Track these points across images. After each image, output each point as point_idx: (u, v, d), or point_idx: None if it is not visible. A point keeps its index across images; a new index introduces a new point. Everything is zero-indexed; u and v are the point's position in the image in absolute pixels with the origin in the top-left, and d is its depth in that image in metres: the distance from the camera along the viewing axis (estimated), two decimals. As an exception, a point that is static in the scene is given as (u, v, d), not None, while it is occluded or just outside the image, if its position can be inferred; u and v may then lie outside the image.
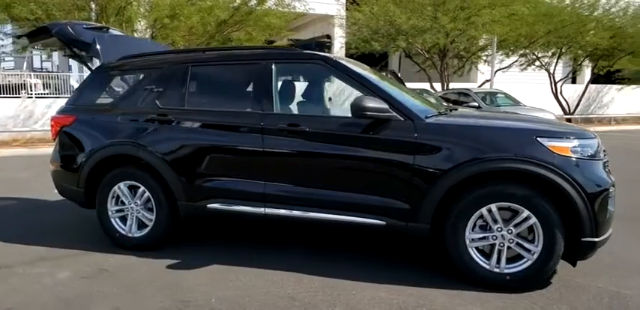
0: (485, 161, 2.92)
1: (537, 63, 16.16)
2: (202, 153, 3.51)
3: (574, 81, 18.99)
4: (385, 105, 3.05)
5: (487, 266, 3.02)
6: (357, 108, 3.02)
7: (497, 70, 13.95)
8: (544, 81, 17.37)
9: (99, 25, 4.35)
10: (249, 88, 3.53)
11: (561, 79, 17.89)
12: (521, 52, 15.03)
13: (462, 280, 3.11)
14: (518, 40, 13.25)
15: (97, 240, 3.99)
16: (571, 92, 19.43)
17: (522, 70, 15.75)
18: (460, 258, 3.06)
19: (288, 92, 3.68)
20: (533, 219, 2.90)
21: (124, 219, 3.83)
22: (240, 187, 3.43)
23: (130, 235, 3.77)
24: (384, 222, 3.15)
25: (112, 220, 3.82)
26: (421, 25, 11.09)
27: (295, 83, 3.72)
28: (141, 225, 3.77)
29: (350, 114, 3.23)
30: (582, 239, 2.87)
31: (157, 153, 3.58)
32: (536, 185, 2.92)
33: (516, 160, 2.89)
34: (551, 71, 16.91)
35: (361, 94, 3.23)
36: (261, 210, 3.39)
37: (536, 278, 2.97)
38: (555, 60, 16.30)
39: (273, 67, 3.43)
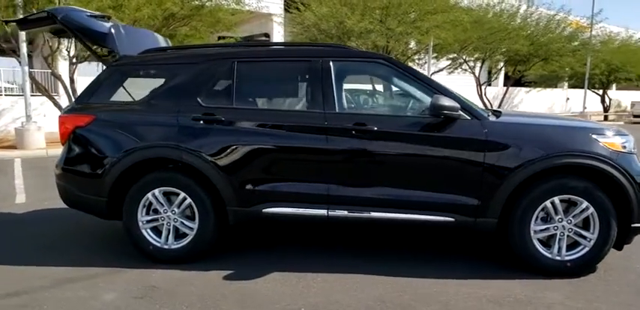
0: (550, 157, 3.12)
1: (465, 66, 17.44)
2: (259, 155, 3.31)
3: (489, 84, 20.91)
4: (458, 105, 3.13)
5: (549, 255, 3.23)
6: (436, 107, 3.06)
7: (433, 73, 14.82)
8: (470, 84, 18.82)
9: (99, 13, 3.87)
10: (305, 86, 3.39)
11: (485, 82, 19.57)
12: (452, 56, 16.13)
13: (523, 269, 3.29)
14: (451, 44, 14.18)
15: (121, 255, 3.59)
16: (492, 94, 21.48)
17: (450, 73, 16.89)
18: (525, 249, 3.23)
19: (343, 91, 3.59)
20: (591, 209, 3.16)
21: (156, 230, 3.48)
22: (302, 189, 3.29)
23: (166, 247, 3.43)
24: (453, 219, 3.22)
25: (144, 231, 3.45)
26: (370, 28, 11.39)
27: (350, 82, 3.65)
28: (178, 236, 3.46)
29: (410, 113, 3.26)
30: (632, 225, 3.18)
31: (205, 156, 3.30)
32: (593, 178, 3.19)
33: (579, 156, 3.12)
34: (477, 74, 18.38)
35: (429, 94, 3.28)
36: (324, 212, 3.29)
37: (593, 263, 3.24)
38: (481, 64, 17.73)
39: (331, 64, 3.33)
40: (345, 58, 3.41)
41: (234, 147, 3.31)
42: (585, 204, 3.16)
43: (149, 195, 3.41)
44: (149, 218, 3.45)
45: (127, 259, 3.50)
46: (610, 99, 27.10)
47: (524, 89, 25.89)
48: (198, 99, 3.39)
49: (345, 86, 3.62)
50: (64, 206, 3.84)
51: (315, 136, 3.25)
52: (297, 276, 3.23)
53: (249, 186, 3.32)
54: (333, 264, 3.42)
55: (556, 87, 27.98)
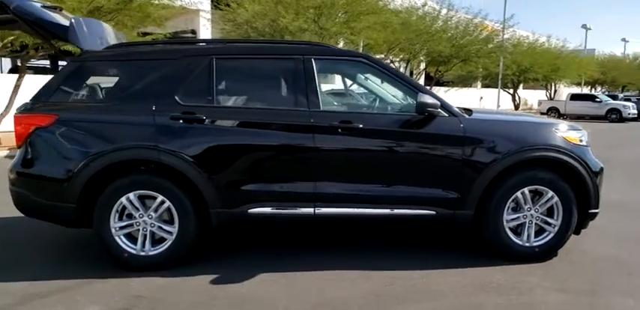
0: (521, 151, 3.35)
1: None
2: (243, 154, 3.22)
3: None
4: (439, 102, 3.26)
5: (520, 242, 3.47)
6: (422, 104, 3.16)
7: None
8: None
9: (51, 4, 3.53)
10: (289, 85, 3.34)
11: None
12: (379, 56, 16.63)
13: (496, 257, 3.50)
14: (380, 45, 14.63)
15: (91, 264, 3.33)
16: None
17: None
18: (499, 238, 3.44)
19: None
20: (556, 198, 3.44)
21: (130, 237, 3.27)
22: (289, 188, 3.26)
23: (142, 254, 3.24)
24: (434, 212, 3.35)
25: (117, 238, 3.23)
26: (305, 27, 11.43)
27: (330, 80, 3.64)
28: (155, 241, 3.28)
29: (390, 111, 3.34)
30: (589, 210, 3.51)
31: (186, 157, 3.15)
32: (557, 169, 3.47)
33: (546, 149, 3.39)
34: None
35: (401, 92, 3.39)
36: (311, 210, 3.28)
37: (557, 247, 3.53)
38: (405, 64, 18.46)
39: (313, 62, 3.32)
40: (327, 57, 3.42)
41: (216, 147, 3.19)
42: (551, 193, 3.43)
43: (123, 199, 3.19)
44: (123, 224, 3.23)
45: (99, 268, 3.26)
46: (519, 98, 29.48)
47: (443, 88, 27.32)
48: (176, 98, 3.22)
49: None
50: (16, 213, 3.49)
51: (302, 135, 3.23)
52: (286, 276, 3.19)
53: (233, 187, 3.22)
54: (319, 262, 3.41)
55: (471, 86, 29.90)
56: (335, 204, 3.29)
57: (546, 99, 29.17)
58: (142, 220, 3.23)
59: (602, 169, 3.55)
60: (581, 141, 3.54)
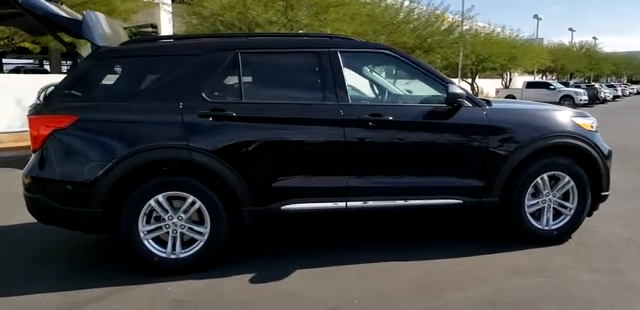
0: (543, 138, 3.46)
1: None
2: (275, 150, 3.16)
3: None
4: (465, 93, 3.31)
5: (540, 226, 3.60)
6: (454, 95, 3.20)
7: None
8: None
9: None
10: (316, 78, 3.29)
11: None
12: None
13: (515, 241, 3.62)
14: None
15: (118, 271, 3.19)
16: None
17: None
18: (521, 223, 3.56)
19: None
20: (572, 183, 3.59)
21: (158, 240, 3.16)
22: (321, 183, 3.23)
23: (173, 257, 3.13)
24: (461, 201, 3.42)
25: (146, 242, 3.11)
26: (275, 19, 11.27)
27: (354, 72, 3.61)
28: (185, 243, 3.18)
29: (416, 102, 3.37)
30: (601, 193, 3.69)
31: (218, 156, 3.06)
32: (572, 154, 3.61)
33: (565, 136, 3.52)
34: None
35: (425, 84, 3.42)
36: (343, 204, 3.27)
37: (574, 229, 3.69)
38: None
39: (339, 55, 3.29)
40: (352, 49, 3.39)
41: (247, 143, 3.12)
42: (567, 178, 3.58)
43: (151, 201, 3.07)
44: (151, 227, 3.11)
45: (127, 274, 3.13)
46: (477, 87, 30.36)
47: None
48: (203, 94, 3.11)
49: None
50: (29, 219, 3.30)
51: (332, 128, 3.21)
52: (325, 271, 3.18)
53: (265, 184, 3.16)
54: (352, 256, 3.41)
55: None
56: (366, 198, 3.30)
57: (502, 87, 30.20)
58: (171, 222, 3.12)
59: (610, 153, 3.73)
60: (592, 127, 3.70)
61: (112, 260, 3.43)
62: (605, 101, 28.70)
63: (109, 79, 3.19)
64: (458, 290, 2.90)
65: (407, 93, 3.68)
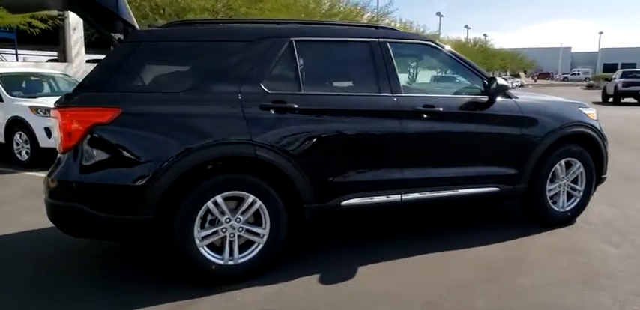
0: (564, 127, 3.73)
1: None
2: (336, 144, 3.02)
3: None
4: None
5: (557, 209, 3.89)
6: (503, 87, 3.31)
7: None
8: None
9: None
10: (369, 68, 3.17)
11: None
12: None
13: (533, 224, 3.88)
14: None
15: (167, 283, 2.84)
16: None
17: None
18: (543, 207, 3.81)
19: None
20: (582, 168, 3.92)
21: (211, 246, 2.86)
22: (379, 176, 3.16)
23: (231, 263, 2.87)
24: (498, 189, 3.57)
25: (202, 249, 2.80)
26: (208, 6, 10.74)
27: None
28: (240, 247, 2.92)
29: (456, 93, 3.46)
30: (601, 176, 4.08)
31: (281, 150, 2.84)
32: (582, 141, 3.93)
33: (579, 125, 3.82)
34: None
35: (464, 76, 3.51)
36: (398, 197, 3.24)
37: (582, 209, 4.04)
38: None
39: (388, 46, 3.22)
40: (398, 40, 3.33)
41: (310, 137, 2.94)
42: (579, 163, 3.90)
43: (209, 203, 2.76)
44: (207, 232, 2.81)
45: (177, 288, 2.80)
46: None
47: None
48: (262, 85, 2.85)
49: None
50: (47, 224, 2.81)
51: (390, 120, 3.15)
52: (389, 266, 3.13)
53: (326, 179, 3.01)
54: (408, 248, 3.38)
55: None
56: (419, 189, 3.30)
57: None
58: (228, 225, 2.84)
59: (606, 139, 4.13)
60: (594, 116, 4.07)
61: (143, 272, 3.05)
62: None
63: (151, 67, 2.80)
64: (526, 273, 3.02)
65: (453, 84, 3.73)
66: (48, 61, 17.59)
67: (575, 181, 3.96)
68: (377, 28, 3.38)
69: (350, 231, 3.85)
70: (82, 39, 15.65)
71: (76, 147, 2.57)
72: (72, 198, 2.61)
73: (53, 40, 15.94)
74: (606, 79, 23.62)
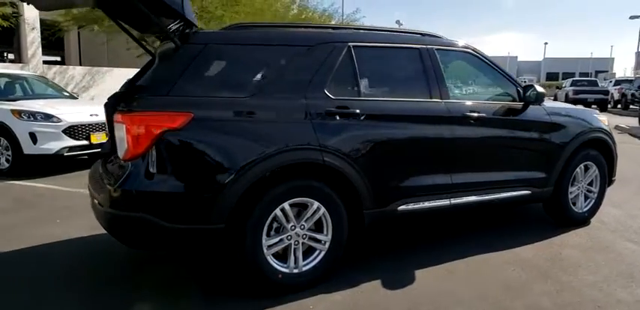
0: (586, 133, 3.95)
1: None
2: (395, 149, 3.05)
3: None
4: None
5: (577, 210, 4.11)
6: (541, 95, 3.47)
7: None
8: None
9: None
10: (420, 75, 3.22)
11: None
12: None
13: (555, 225, 4.08)
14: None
15: (224, 296, 2.75)
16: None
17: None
18: (566, 207, 4.02)
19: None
20: (597, 171, 4.17)
21: (276, 255, 2.81)
22: (430, 181, 3.21)
23: (296, 271, 2.83)
24: (529, 192, 3.73)
25: (269, 258, 2.74)
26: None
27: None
28: (304, 254, 2.88)
29: (493, 99, 3.63)
30: (612, 178, 4.34)
31: (346, 156, 2.83)
32: (597, 146, 4.16)
33: (598, 131, 4.06)
34: None
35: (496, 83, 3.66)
36: (447, 202, 3.31)
37: (597, 210, 4.28)
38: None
39: (436, 52, 3.30)
40: (443, 47, 3.41)
41: (372, 142, 2.95)
42: (595, 167, 4.14)
43: (277, 210, 2.71)
44: (274, 240, 2.75)
45: (235, 299, 2.73)
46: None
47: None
48: (325, 91, 2.84)
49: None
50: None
51: (442, 126, 3.22)
52: (442, 269, 3.19)
53: (385, 185, 3.04)
54: (446, 251, 3.47)
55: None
56: (465, 193, 3.38)
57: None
58: (293, 233, 2.80)
59: (616, 144, 4.41)
60: (607, 122, 4.33)
61: (188, 282, 2.94)
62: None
63: (216, 70, 2.71)
64: (570, 271, 3.17)
65: (491, 90, 3.84)
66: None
67: (590, 183, 4.20)
68: (423, 34, 3.45)
69: (387, 237, 3.88)
70: (39, 39, 14.86)
71: (144, 154, 2.45)
72: (135, 208, 2.48)
73: (7, 40, 15.04)
74: (557, 87, 25.11)
